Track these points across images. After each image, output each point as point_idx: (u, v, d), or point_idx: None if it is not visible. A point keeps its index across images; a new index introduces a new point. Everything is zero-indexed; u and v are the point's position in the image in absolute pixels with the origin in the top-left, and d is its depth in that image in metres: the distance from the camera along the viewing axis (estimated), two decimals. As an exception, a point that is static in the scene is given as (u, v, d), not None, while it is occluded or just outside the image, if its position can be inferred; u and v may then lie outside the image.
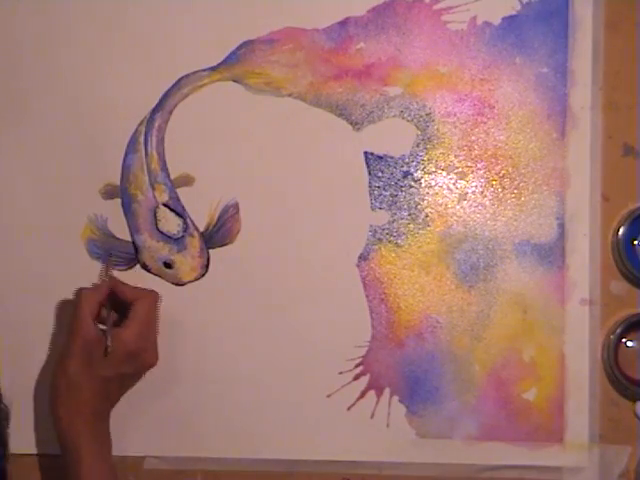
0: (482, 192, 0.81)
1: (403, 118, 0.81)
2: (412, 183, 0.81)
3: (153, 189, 0.81)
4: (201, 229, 0.81)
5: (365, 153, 0.80)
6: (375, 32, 0.80)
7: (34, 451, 0.80)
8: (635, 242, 0.80)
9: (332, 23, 0.81)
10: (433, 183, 0.81)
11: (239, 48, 0.81)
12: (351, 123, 0.81)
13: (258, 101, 0.81)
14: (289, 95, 0.81)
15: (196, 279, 0.81)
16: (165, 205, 0.81)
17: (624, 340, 0.80)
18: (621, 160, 0.81)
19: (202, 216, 0.81)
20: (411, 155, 0.81)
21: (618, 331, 0.79)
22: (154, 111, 0.81)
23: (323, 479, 0.80)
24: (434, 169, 0.81)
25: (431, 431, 0.80)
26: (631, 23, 0.81)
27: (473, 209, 0.80)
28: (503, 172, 0.80)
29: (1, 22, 0.81)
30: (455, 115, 0.81)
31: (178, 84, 0.81)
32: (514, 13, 0.80)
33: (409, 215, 0.80)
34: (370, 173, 0.80)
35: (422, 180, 0.81)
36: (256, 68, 0.81)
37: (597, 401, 0.80)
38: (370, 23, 0.81)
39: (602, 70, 0.80)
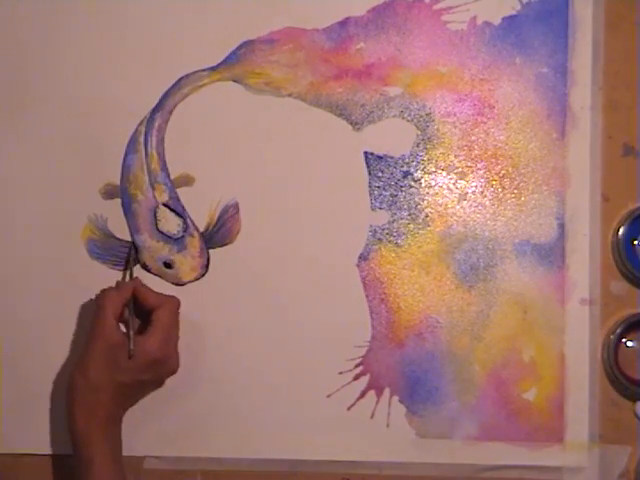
0: (482, 192, 0.81)
1: (403, 118, 0.81)
2: (412, 183, 0.81)
3: (153, 189, 0.81)
4: (201, 229, 0.81)
5: (365, 153, 0.80)
6: (375, 32, 0.80)
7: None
8: (635, 242, 0.80)
9: (332, 23, 0.81)
10: (433, 183, 0.81)
11: (239, 48, 0.81)
12: (351, 123, 0.81)
13: (258, 101, 0.81)
14: (289, 95, 0.81)
15: (196, 279, 0.81)
16: (165, 205, 0.81)
17: (624, 340, 0.80)
18: (621, 160, 0.81)
19: (202, 216, 0.81)
20: (411, 155, 0.81)
21: (618, 331, 0.79)
22: (154, 111, 0.81)
23: (323, 479, 0.80)
24: (434, 169, 0.81)
25: (431, 431, 0.80)
26: (631, 23, 0.81)
27: (473, 209, 0.80)
28: (503, 172, 0.80)
29: (2, 22, 0.81)
30: (455, 115, 0.81)
31: (178, 84, 0.81)
32: (514, 13, 0.80)
33: (409, 215, 0.80)
34: (370, 173, 0.80)
35: (422, 180, 0.81)
36: (256, 68, 0.81)
37: (597, 401, 0.80)
38: (370, 23, 0.81)
39: (602, 70, 0.80)
